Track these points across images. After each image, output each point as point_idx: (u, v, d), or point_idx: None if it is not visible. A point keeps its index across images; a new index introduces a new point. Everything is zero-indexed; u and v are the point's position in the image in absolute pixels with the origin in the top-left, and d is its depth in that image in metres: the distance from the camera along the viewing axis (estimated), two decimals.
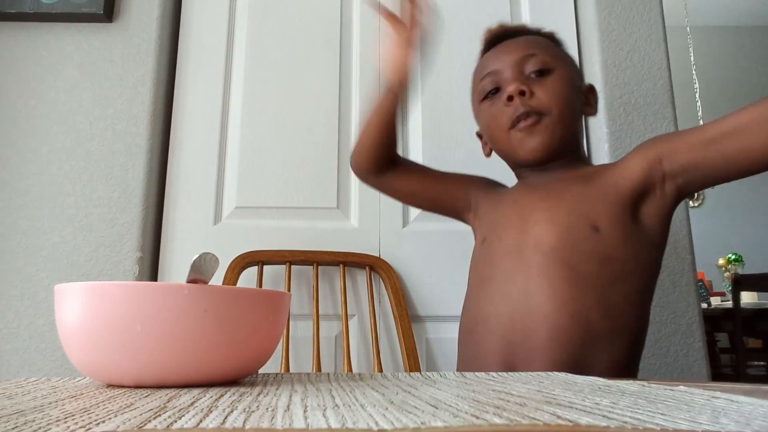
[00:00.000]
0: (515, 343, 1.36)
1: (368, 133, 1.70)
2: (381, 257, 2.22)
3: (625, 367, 1.37)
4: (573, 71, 1.59)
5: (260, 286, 2.04)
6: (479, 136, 1.73)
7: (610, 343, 1.34)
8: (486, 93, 1.57)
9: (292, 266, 2.14)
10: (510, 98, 1.48)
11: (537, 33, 1.66)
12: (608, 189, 1.44)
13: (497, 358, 1.39)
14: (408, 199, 1.82)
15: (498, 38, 1.66)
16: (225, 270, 2.04)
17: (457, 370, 1.57)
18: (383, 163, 1.73)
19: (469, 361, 1.50)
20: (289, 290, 2.07)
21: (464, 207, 1.75)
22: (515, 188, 1.63)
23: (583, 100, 1.61)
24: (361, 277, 2.23)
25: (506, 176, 1.72)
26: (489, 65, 1.58)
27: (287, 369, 1.95)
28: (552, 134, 1.48)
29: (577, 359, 1.31)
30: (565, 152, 1.54)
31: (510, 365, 1.37)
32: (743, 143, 1.26)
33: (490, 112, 1.56)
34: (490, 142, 1.64)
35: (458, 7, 2.50)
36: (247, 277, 2.13)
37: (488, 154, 1.69)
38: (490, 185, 1.74)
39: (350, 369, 1.98)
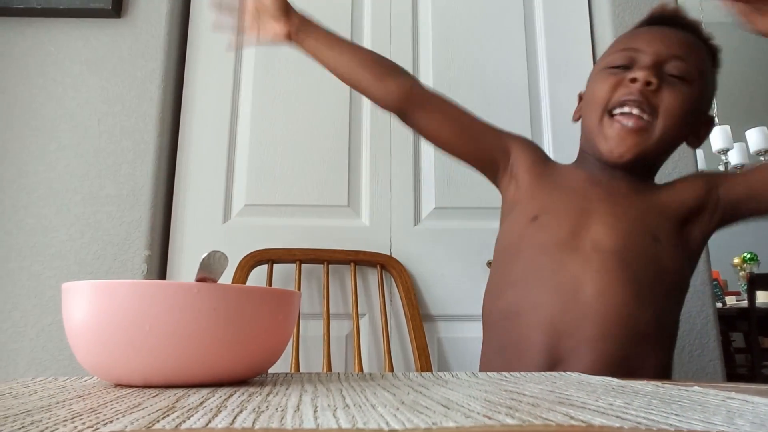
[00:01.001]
0: (565, 334, 1.34)
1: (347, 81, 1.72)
2: (392, 256, 2.22)
3: (666, 369, 1.39)
4: (706, 95, 1.52)
5: (270, 284, 2.04)
6: (580, 97, 1.65)
7: (656, 346, 1.36)
8: (615, 65, 1.47)
9: (303, 265, 2.14)
10: (633, 80, 1.40)
11: (705, 40, 1.57)
12: (668, 204, 1.45)
13: (543, 347, 1.35)
14: (442, 145, 1.68)
15: (665, 21, 1.55)
16: (234, 268, 2.04)
17: (484, 358, 1.53)
18: (395, 101, 1.67)
19: (504, 348, 1.44)
20: (299, 289, 2.07)
21: (503, 165, 1.64)
22: (573, 171, 1.58)
23: (696, 128, 1.54)
24: (373, 275, 2.23)
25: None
26: (636, 41, 1.48)
27: (297, 369, 1.95)
28: (648, 143, 1.41)
29: (625, 358, 1.32)
30: (645, 166, 1.50)
31: (556, 355, 1.35)
32: None
33: (607, 81, 1.46)
34: (584, 109, 1.55)
35: (471, 2, 2.50)
36: (257, 276, 2.13)
37: (576, 119, 1.64)
38: (536, 152, 1.65)
39: (361, 369, 1.98)
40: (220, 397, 0.61)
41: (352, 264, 2.15)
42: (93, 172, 2.17)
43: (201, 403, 0.55)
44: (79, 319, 0.73)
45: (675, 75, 1.41)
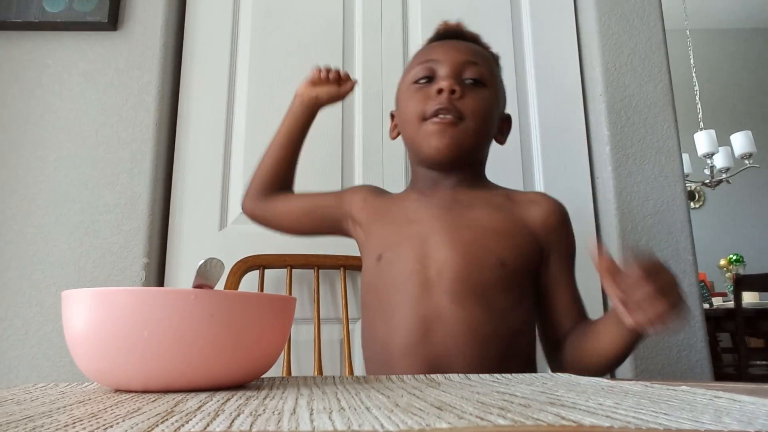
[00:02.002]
0: (437, 365, 1.37)
1: (276, 148, 1.82)
2: None
3: (531, 362, 1.50)
4: (501, 96, 1.66)
5: (262, 290, 2.04)
6: (392, 116, 1.75)
7: (519, 350, 1.45)
8: (419, 78, 1.57)
9: (295, 270, 2.14)
10: (440, 91, 1.49)
11: (486, 48, 1.70)
12: (517, 224, 1.53)
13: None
14: (286, 220, 1.81)
15: (449, 35, 1.69)
16: (227, 275, 2.05)
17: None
18: (278, 184, 1.81)
19: None
20: (290, 294, 2.07)
21: (344, 218, 1.73)
22: (407, 196, 1.65)
23: (499, 126, 1.66)
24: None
25: None
26: (432, 54, 1.60)
27: (289, 373, 1.95)
28: (463, 140, 1.51)
29: (496, 368, 1.38)
30: (467, 166, 1.59)
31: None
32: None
33: (415, 96, 1.56)
34: (400, 126, 1.65)
35: (460, 10, 2.50)
36: (249, 282, 2.13)
37: (394, 137, 1.72)
38: (367, 191, 1.74)
39: (352, 373, 1.98)
40: (218, 401, 0.61)
41: (341, 269, 2.14)
42: (91, 182, 2.17)
43: (199, 407, 0.55)
44: (78, 326, 0.73)
45: (473, 79, 1.54)
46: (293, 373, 2.04)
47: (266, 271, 2.13)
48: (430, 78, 1.56)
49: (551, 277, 1.54)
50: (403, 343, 1.40)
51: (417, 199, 1.59)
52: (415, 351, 1.38)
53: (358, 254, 2.10)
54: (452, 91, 1.48)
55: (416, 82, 1.57)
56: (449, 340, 1.37)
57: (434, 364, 1.36)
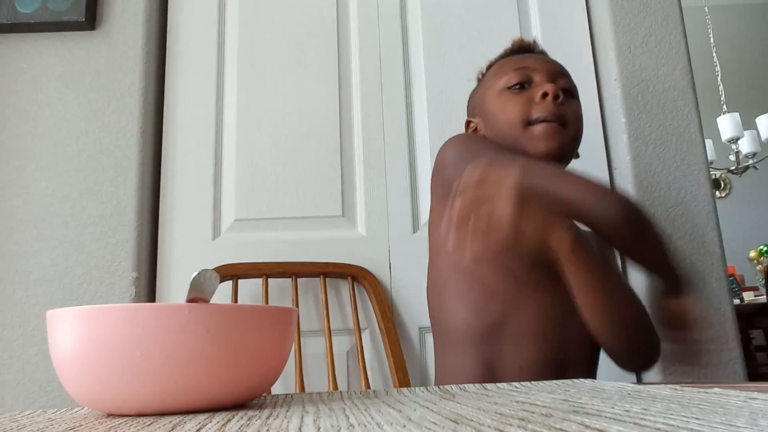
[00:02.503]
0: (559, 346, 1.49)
1: None
2: (364, 267, 2.21)
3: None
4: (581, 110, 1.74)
5: (235, 301, 2.03)
6: (468, 123, 1.82)
7: None
8: (513, 84, 1.64)
9: (271, 279, 2.14)
10: (545, 96, 1.57)
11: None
12: None
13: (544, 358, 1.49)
14: None
15: (526, 50, 1.80)
16: None
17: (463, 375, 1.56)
18: None
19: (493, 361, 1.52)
20: (266, 304, 2.06)
21: None
22: None
23: None
24: (345, 288, 2.22)
25: None
26: (524, 61, 1.69)
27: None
28: (566, 145, 1.61)
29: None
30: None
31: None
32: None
33: (513, 100, 1.62)
34: (495, 131, 1.68)
35: None
36: (224, 293, 2.11)
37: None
38: None
39: (336, 386, 1.98)
40: (218, 422, 0.61)
41: (321, 277, 2.14)
42: (74, 193, 2.17)
43: (198, 430, 0.55)
44: (65, 347, 0.73)
45: (566, 89, 1.65)
46: (277, 390, 2.05)
47: (244, 281, 2.13)
48: (524, 84, 1.64)
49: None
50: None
51: None
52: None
53: (366, 260, 2.11)
54: (556, 96, 1.57)
55: (510, 88, 1.65)
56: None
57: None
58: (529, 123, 1.59)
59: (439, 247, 1.66)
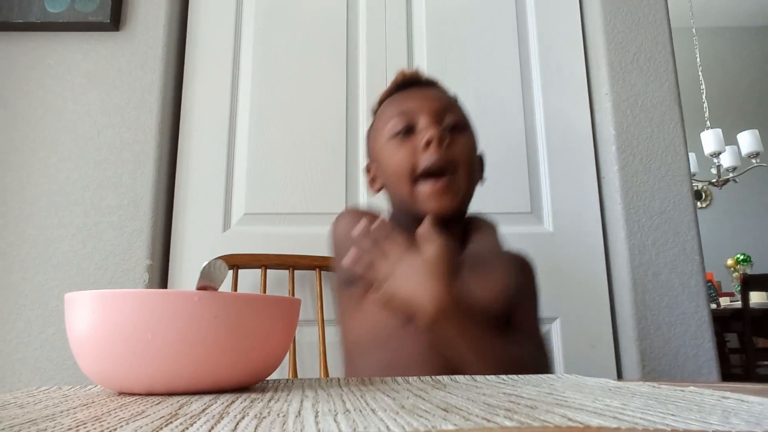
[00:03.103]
0: None
1: None
2: None
3: None
4: (475, 138, 1.62)
5: (235, 290, 2.02)
6: (368, 170, 1.69)
7: None
8: (398, 131, 1.51)
9: (273, 271, 2.14)
10: (428, 143, 1.44)
11: (443, 89, 1.68)
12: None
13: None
14: None
15: (409, 83, 1.65)
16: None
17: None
18: None
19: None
20: (264, 293, 2.06)
21: None
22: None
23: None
24: None
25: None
26: (406, 103, 1.55)
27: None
28: (459, 196, 1.49)
29: None
30: (460, 216, 1.57)
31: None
32: None
33: (399, 152, 1.50)
34: (388, 183, 1.57)
35: (464, 8, 2.50)
36: (225, 282, 2.10)
37: (377, 191, 1.65)
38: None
39: (327, 374, 1.98)
40: (223, 403, 0.61)
41: (317, 270, 2.13)
42: (94, 184, 2.17)
43: (203, 410, 0.55)
44: (81, 328, 0.73)
45: (453, 125, 1.51)
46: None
47: (245, 271, 2.13)
48: (410, 129, 1.50)
49: None
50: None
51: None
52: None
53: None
54: (441, 140, 1.44)
55: (395, 135, 1.51)
56: None
57: None
58: (416, 178, 1.46)
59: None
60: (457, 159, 1.47)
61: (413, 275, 1.25)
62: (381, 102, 1.68)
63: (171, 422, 0.47)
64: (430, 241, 1.28)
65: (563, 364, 2.19)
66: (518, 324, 1.49)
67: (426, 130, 1.46)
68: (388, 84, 1.69)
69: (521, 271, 1.59)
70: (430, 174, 1.45)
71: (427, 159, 1.44)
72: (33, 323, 2.06)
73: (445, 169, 1.45)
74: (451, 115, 1.52)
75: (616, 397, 0.61)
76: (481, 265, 1.49)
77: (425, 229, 1.30)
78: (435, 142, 1.43)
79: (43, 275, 2.10)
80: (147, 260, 2.13)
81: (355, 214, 1.55)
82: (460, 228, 1.58)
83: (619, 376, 2.15)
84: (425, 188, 1.45)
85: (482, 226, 1.61)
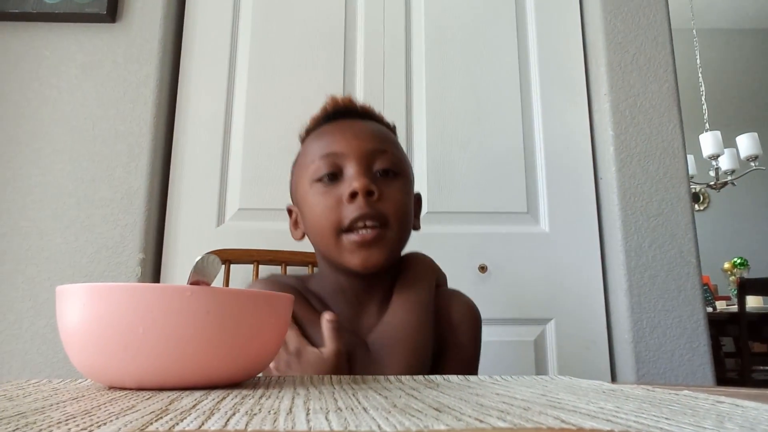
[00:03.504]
0: None
1: None
2: None
3: None
4: (412, 176, 1.48)
5: (227, 285, 2.04)
6: (289, 212, 1.54)
7: None
8: (322, 175, 1.35)
9: (262, 266, 2.13)
10: (354, 195, 1.30)
11: (381, 120, 1.53)
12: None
13: None
14: None
15: (340, 114, 1.49)
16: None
17: None
18: None
19: None
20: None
21: None
22: (335, 297, 1.46)
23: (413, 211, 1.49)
24: None
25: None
26: (332, 144, 1.39)
27: None
28: (390, 250, 1.36)
29: None
30: (390, 268, 1.44)
31: None
32: None
33: (323, 200, 1.35)
34: (310, 233, 1.44)
35: (463, 7, 2.50)
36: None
37: (300, 238, 1.51)
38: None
39: None
40: (213, 399, 0.61)
41: (310, 266, 2.14)
42: (87, 176, 2.17)
43: (194, 406, 0.55)
44: (72, 321, 0.73)
45: (386, 169, 1.37)
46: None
47: (237, 266, 2.13)
48: (335, 175, 1.35)
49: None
50: None
51: (341, 300, 1.44)
52: None
53: None
54: (369, 193, 1.30)
55: (319, 179, 1.36)
56: None
57: None
58: (341, 231, 1.32)
59: None
60: (386, 212, 1.33)
61: (308, 369, 1.22)
62: (308, 131, 1.54)
63: (161, 417, 0.47)
64: (330, 340, 1.21)
65: (557, 365, 2.19)
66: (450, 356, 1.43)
67: (352, 180, 1.31)
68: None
69: (458, 304, 1.50)
70: (355, 228, 1.31)
71: (352, 212, 1.31)
72: (24, 316, 2.06)
73: (375, 223, 1.31)
74: (382, 158, 1.37)
75: (610, 400, 0.61)
76: (404, 298, 1.41)
77: (327, 330, 1.20)
78: (361, 195, 1.29)
79: (35, 267, 2.10)
80: (140, 254, 2.13)
81: (275, 285, 1.45)
82: (390, 276, 1.46)
83: (614, 378, 2.15)
84: (350, 242, 1.32)
85: (415, 263, 1.52)
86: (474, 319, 1.50)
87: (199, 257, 0.77)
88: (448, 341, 1.44)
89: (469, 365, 1.47)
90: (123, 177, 2.17)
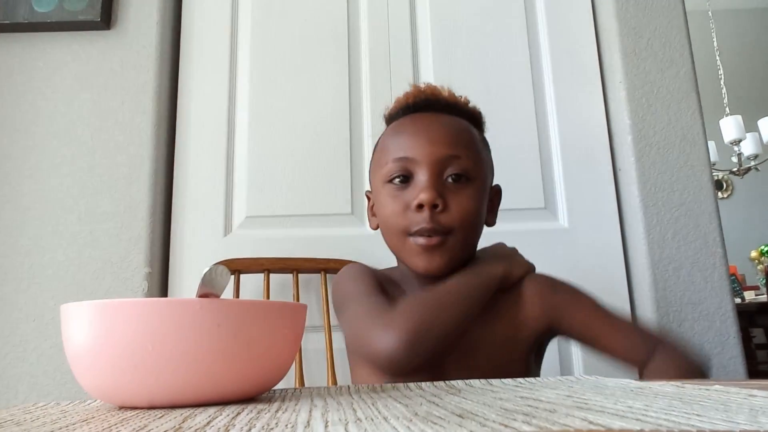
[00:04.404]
0: None
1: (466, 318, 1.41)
2: (365, 264, 2.20)
3: None
4: (489, 173, 1.54)
5: (238, 296, 2.04)
6: (368, 197, 1.64)
7: None
8: (393, 176, 1.44)
9: (273, 275, 2.13)
10: (420, 207, 1.37)
11: (465, 110, 1.58)
12: (511, 333, 1.47)
13: None
14: None
15: (420, 106, 1.55)
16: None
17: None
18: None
19: None
20: (268, 299, 2.05)
21: None
22: (410, 286, 1.54)
23: (489, 206, 1.55)
24: None
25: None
26: (406, 148, 1.44)
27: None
28: (453, 255, 1.42)
29: None
30: (461, 266, 1.47)
31: None
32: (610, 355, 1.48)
33: (393, 202, 1.44)
34: (381, 228, 1.52)
35: (470, 1, 2.50)
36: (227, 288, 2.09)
37: (374, 228, 1.59)
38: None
39: (335, 382, 2.00)
40: (228, 415, 0.61)
41: (322, 273, 2.14)
42: (88, 190, 2.17)
43: (208, 423, 0.55)
44: (78, 341, 0.73)
45: (458, 174, 1.41)
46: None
47: (248, 276, 2.13)
48: (407, 178, 1.43)
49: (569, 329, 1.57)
50: None
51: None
52: None
53: (338, 257, 2.10)
54: (434, 206, 1.37)
55: (391, 180, 1.45)
56: None
57: None
58: (408, 234, 1.41)
59: None
60: (450, 223, 1.39)
61: None
62: (390, 117, 1.61)
63: None
64: None
65: (582, 365, 2.18)
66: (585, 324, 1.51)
67: (420, 191, 1.38)
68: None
69: (530, 284, 1.53)
70: (421, 232, 1.39)
71: (417, 222, 1.39)
72: (29, 337, 2.06)
73: (437, 234, 1.38)
74: (455, 164, 1.42)
75: (638, 399, 0.61)
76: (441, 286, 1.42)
77: None
78: (426, 207, 1.37)
79: (38, 287, 2.10)
80: (146, 268, 2.13)
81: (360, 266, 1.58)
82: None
83: (641, 376, 2.15)
84: (416, 244, 1.40)
85: (481, 254, 1.56)
86: (549, 286, 1.54)
87: (206, 269, 0.77)
88: (559, 316, 1.50)
89: (595, 308, 1.54)
90: (125, 189, 2.17)
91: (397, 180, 1.44)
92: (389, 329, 1.27)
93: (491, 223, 1.58)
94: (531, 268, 1.56)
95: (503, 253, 1.56)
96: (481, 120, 1.60)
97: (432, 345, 1.29)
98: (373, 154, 1.60)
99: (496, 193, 1.60)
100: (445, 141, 1.44)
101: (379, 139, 1.58)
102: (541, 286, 1.52)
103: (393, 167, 1.44)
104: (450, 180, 1.41)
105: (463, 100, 1.59)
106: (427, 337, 1.28)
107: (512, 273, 1.50)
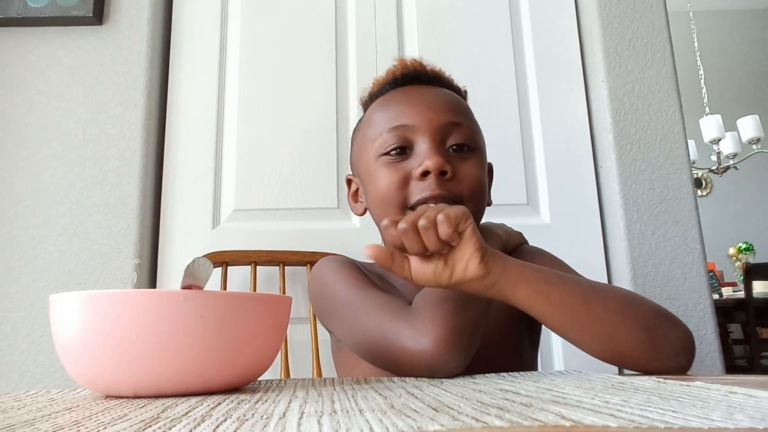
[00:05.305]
0: None
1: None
2: (350, 257, 2.19)
3: None
4: (485, 147, 1.40)
5: (224, 288, 2.04)
6: (348, 183, 1.49)
7: None
8: (390, 149, 1.27)
9: (260, 267, 2.13)
10: (425, 174, 1.21)
11: (451, 85, 1.43)
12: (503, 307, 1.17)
13: None
14: None
15: (410, 79, 1.39)
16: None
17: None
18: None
19: None
20: (255, 291, 2.05)
21: None
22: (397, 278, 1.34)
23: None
24: None
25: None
26: (402, 116, 1.29)
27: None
28: None
29: None
30: None
31: None
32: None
33: (389, 175, 1.27)
34: (372, 208, 1.37)
35: (455, 1, 2.50)
36: (214, 279, 2.08)
37: (361, 213, 1.46)
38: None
39: (320, 373, 1.99)
40: (208, 405, 0.60)
41: (308, 265, 2.13)
42: (79, 182, 2.17)
43: (186, 413, 0.55)
44: (66, 330, 0.73)
45: (460, 144, 1.28)
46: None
47: (236, 268, 2.13)
48: (405, 149, 1.27)
49: None
50: None
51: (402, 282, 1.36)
52: None
53: (324, 251, 2.09)
54: (442, 173, 1.21)
55: (387, 153, 1.28)
56: None
57: None
58: (407, 208, 1.24)
59: None
60: (461, 192, 1.24)
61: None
62: (372, 96, 1.45)
63: (150, 426, 0.47)
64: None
65: (563, 359, 2.19)
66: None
67: (424, 158, 1.22)
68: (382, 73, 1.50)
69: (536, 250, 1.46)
70: (425, 203, 1.21)
71: (421, 192, 1.22)
72: (19, 326, 2.06)
73: (446, 200, 1.20)
74: (457, 132, 1.28)
75: (617, 393, 0.60)
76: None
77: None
78: (434, 175, 1.20)
79: (29, 276, 2.10)
80: (135, 259, 2.12)
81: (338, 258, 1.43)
82: None
83: (621, 371, 2.15)
84: None
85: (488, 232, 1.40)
86: (552, 257, 1.49)
87: (189, 261, 0.77)
88: None
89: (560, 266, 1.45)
90: (115, 181, 2.17)
91: (393, 152, 1.27)
92: (422, 330, 1.04)
93: (490, 202, 1.42)
94: (523, 238, 1.52)
95: (492, 227, 1.46)
96: (466, 97, 1.46)
97: (469, 339, 1.08)
98: (355, 134, 1.47)
99: (490, 170, 1.46)
100: (445, 108, 1.30)
101: (362, 118, 1.45)
102: (540, 256, 1.45)
103: (389, 137, 1.28)
104: (453, 149, 1.28)
105: (447, 76, 1.44)
106: (464, 332, 1.06)
107: (508, 243, 1.43)
